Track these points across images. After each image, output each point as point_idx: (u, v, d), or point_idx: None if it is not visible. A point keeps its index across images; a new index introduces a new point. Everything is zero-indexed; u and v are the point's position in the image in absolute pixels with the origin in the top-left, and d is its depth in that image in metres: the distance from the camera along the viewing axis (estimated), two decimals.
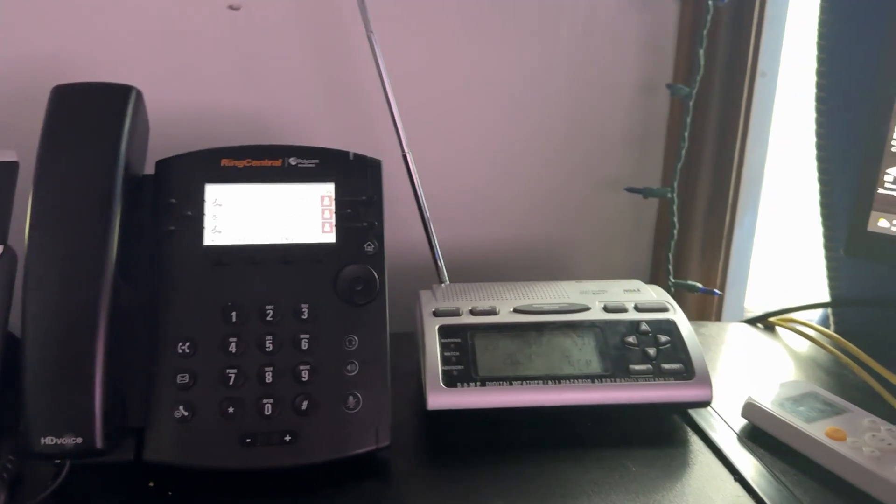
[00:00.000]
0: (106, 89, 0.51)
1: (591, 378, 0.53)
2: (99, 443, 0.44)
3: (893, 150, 0.60)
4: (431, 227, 0.65)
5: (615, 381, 0.54)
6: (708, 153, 0.80)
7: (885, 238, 0.61)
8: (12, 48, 0.67)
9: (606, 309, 0.58)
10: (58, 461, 0.47)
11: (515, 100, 0.77)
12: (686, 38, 0.77)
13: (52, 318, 0.45)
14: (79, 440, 0.44)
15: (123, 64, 0.68)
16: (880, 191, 0.61)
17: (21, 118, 0.67)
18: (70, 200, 0.47)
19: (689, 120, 0.75)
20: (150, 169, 0.54)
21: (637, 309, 0.58)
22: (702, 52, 0.73)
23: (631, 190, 0.79)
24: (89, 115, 0.49)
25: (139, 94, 0.51)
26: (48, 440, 0.44)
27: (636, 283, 0.63)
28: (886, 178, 0.60)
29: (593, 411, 0.54)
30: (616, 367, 0.54)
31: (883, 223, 0.61)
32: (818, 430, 0.51)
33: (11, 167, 0.55)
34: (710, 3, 0.71)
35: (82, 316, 0.45)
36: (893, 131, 0.60)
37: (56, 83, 0.52)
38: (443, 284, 0.64)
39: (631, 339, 0.56)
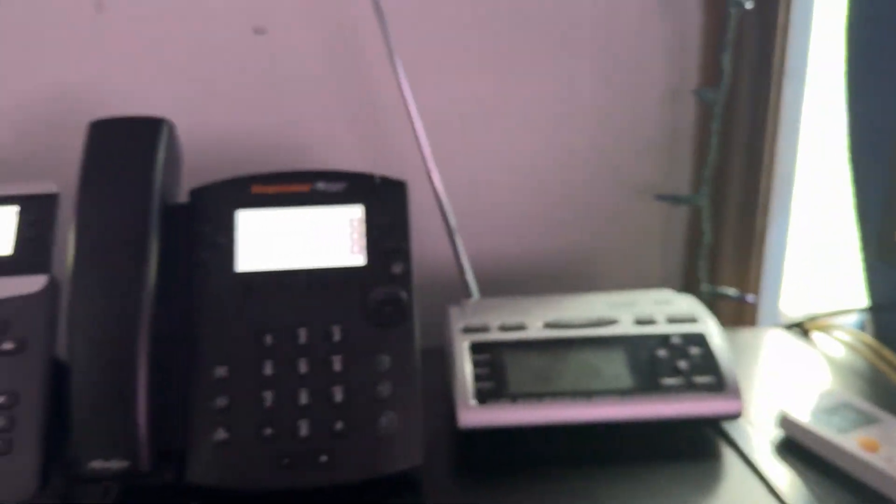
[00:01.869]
0: (139, 123, 0.52)
1: (621, 393, 0.54)
2: (145, 465, 0.46)
3: None
4: (458, 241, 0.65)
5: (645, 396, 0.54)
6: (737, 158, 0.79)
7: None
8: (47, 81, 0.70)
9: (636, 321, 0.58)
10: (106, 483, 0.49)
11: (541, 111, 0.77)
12: (710, 43, 0.77)
13: (96, 346, 0.47)
14: (126, 463, 0.46)
15: (155, 91, 0.70)
16: None
17: (58, 149, 0.69)
18: (109, 233, 0.49)
19: (717, 125, 0.74)
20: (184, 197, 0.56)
21: (667, 321, 0.58)
22: (726, 57, 0.72)
23: (661, 198, 0.78)
24: (124, 149, 0.51)
25: (171, 126, 0.53)
26: (96, 463, 0.46)
27: (667, 294, 0.63)
28: None
29: (624, 426, 0.54)
30: (646, 381, 0.54)
31: None
32: (850, 441, 0.51)
33: (52, 199, 0.57)
34: (732, 10, 0.71)
35: (125, 344, 0.47)
36: None
37: (91, 114, 0.54)
38: (471, 299, 0.65)
39: (661, 352, 0.56)
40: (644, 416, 0.53)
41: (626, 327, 0.58)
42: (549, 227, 0.80)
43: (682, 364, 0.55)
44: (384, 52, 0.64)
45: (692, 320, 0.58)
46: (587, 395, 0.53)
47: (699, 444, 0.56)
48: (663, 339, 0.57)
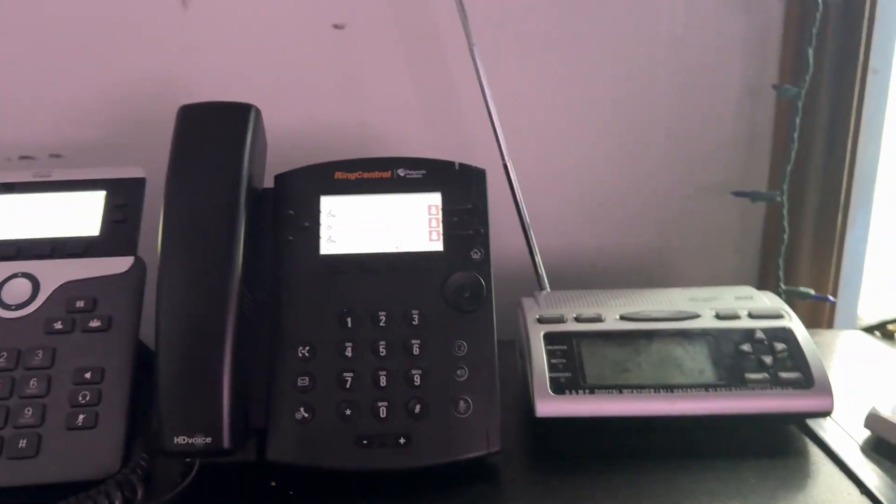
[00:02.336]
0: (228, 108, 0.54)
1: (706, 387, 0.52)
2: (227, 443, 0.46)
3: None
4: (532, 234, 0.65)
5: (730, 391, 0.52)
6: (818, 154, 0.77)
7: None
8: (135, 71, 0.72)
9: (718, 316, 0.57)
10: (188, 459, 0.50)
11: (616, 105, 0.76)
12: (792, 37, 0.75)
13: (183, 324, 0.48)
14: (208, 440, 0.46)
15: (238, 82, 0.72)
16: None
17: (144, 136, 0.71)
18: (199, 214, 0.50)
19: (798, 121, 0.72)
20: (267, 182, 0.57)
21: (751, 316, 0.57)
22: (811, 51, 0.70)
23: (738, 194, 0.77)
24: (214, 133, 0.52)
25: (258, 112, 0.54)
26: (180, 440, 0.46)
27: (748, 290, 0.61)
28: None
29: (706, 421, 0.53)
30: (731, 375, 0.53)
31: None
32: None
33: (139, 183, 0.59)
34: (819, 2, 0.69)
35: (212, 323, 0.47)
36: None
37: (177, 102, 0.56)
38: (544, 291, 0.65)
39: (745, 347, 0.54)
40: (729, 411, 0.52)
41: (707, 321, 0.56)
42: (622, 222, 0.79)
43: (768, 359, 0.54)
44: (462, 44, 0.64)
45: (777, 316, 0.57)
46: (669, 388, 0.52)
47: (784, 442, 0.54)
48: (747, 334, 0.55)
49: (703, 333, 0.56)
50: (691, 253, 0.81)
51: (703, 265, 0.81)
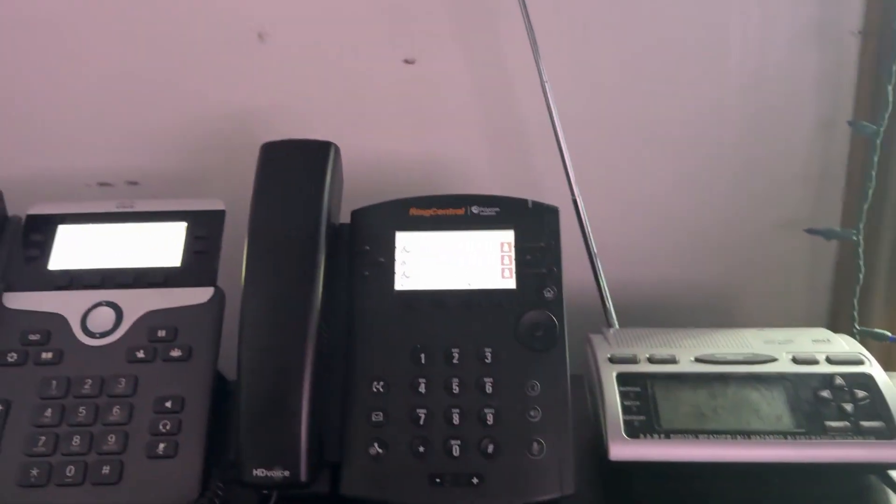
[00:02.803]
0: (310, 146, 0.55)
1: (784, 434, 0.51)
2: (304, 476, 0.47)
3: None
4: (601, 270, 0.64)
5: (810, 439, 0.51)
6: (894, 192, 0.75)
7: None
8: (214, 106, 0.74)
9: (796, 360, 0.55)
10: (265, 492, 0.50)
11: (684, 140, 0.76)
12: (868, 72, 0.73)
13: (265, 358, 0.49)
14: (286, 473, 0.47)
15: (310, 115, 0.74)
16: None
17: (219, 166, 0.74)
18: (281, 249, 0.51)
19: (876, 158, 0.71)
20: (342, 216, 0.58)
21: (829, 361, 0.55)
22: (890, 88, 0.69)
23: (812, 231, 0.75)
24: (296, 170, 0.54)
25: (337, 149, 0.56)
26: (259, 472, 0.47)
27: (824, 333, 0.60)
28: None
29: (785, 469, 0.52)
30: (810, 423, 0.52)
31: None
32: None
33: (220, 215, 0.61)
34: None
35: (293, 357, 0.48)
36: None
37: (250, 134, 0.57)
38: (612, 329, 0.64)
39: (825, 393, 0.53)
40: (809, 459, 0.51)
41: (785, 365, 0.55)
42: (689, 258, 0.78)
43: (849, 407, 0.52)
44: (531, 78, 0.64)
45: (857, 362, 0.55)
46: (746, 434, 0.51)
47: (864, 492, 0.53)
48: (827, 380, 0.54)
49: (781, 378, 0.54)
50: (760, 290, 0.79)
51: (772, 303, 0.79)
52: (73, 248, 0.59)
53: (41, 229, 0.60)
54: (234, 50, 0.72)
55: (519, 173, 0.76)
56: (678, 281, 0.79)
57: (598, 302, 0.65)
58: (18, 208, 0.62)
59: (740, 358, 0.56)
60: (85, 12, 0.71)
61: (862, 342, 0.72)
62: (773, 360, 0.56)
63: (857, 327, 0.74)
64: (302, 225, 0.51)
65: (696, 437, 0.51)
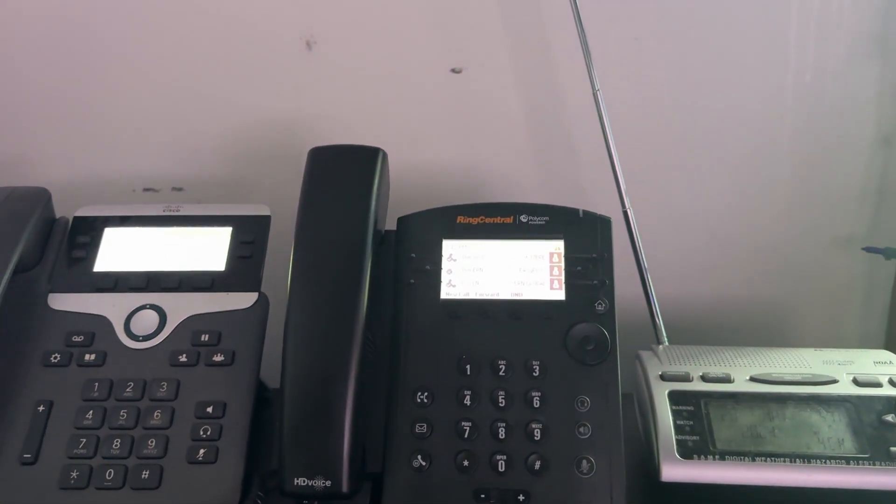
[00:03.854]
0: (358, 151, 0.54)
1: (847, 459, 0.49)
2: (346, 487, 0.46)
3: None
4: (651, 285, 0.63)
5: (874, 465, 0.48)
6: None
7: None
8: (262, 113, 0.74)
9: (857, 382, 0.53)
10: (306, 502, 0.49)
11: (739, 153, 0.74)
12: None
13: (309, 365, 0.48)
14: (328, 483, 0.46)
15: (357, 123, 0.73)
16: None
17: (264, 173, 0.74)
18: (327, 255, 0.50)
19: None
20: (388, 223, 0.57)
21: (893, 384, 0.53)
22: None
23: (870, 250, 0.72)
24: (343, 175, 0.53)
25: (385, 155, 0.55)
26: (300, 481, 0.46)
27: (887, 355, 0.57)
28: None
29: (846, 495, 0.49)
30: (874, 448, 0.49)
31: None
32: None
33: (265, 220, 0.60)
34: None
35: (337, 365, 0.47)
36: None
37: (300, 143, 0.57)
38: (662, 345, 0.62)
39: (889, 417, 0.51)
40: (874, 486, 0.48)
41: (846, 387, 0.53)
42: (741, 274, 0.76)
43: None
44: (581, 87, 0.63)
45: None
46: (806, 458, 0.49)
47: None
48: (891, 403, 0.51)
49: (842, 400, 0.52)
50: (815, 310, 0.76)
51: (827, 322, 0.77)
52: (118, 251, 0.59)
53: (87, 231, 0.60)
54: (282, 58, 0.72)
55: (567, 185, 0.74)
56: (729, 298, 0.77)
57: (648, 318, 0.63)
58: (66, 210, 0.62)
59: (798, 378, 0.54)
60: (137, 21, 0.71)
61: None
62: (834, 381, 0.53)
63: None
64: (349, 231, 0.51)
65: (753, 459, 0.49)
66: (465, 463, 0.49)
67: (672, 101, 0.73)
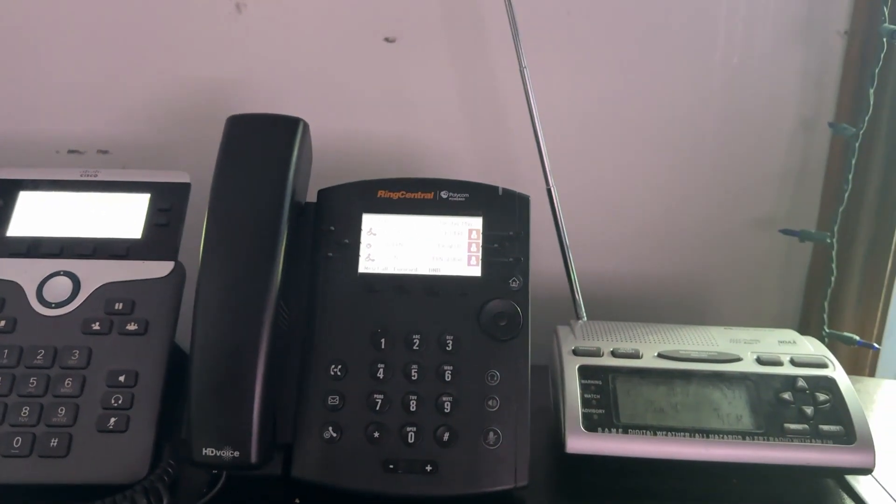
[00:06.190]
0: (277, 120, 0.54)
1: (743, 435, 0.51)
2: (254, 458, 0.46)
3: None
4: (572, 262, 0.64)
5: (768, 440, 0.51)
6: (871, 196, 0.74)
7: None
8: (185, 77, 0.72)
9: (760, 361, 0.55)
10: (214, 471, 0.50)
11: (662, 132, 0.75)
12: (852, 74, 0.73)
13: (219, 336, 0.47)
14: (236, 454, 0.46)
15: (286, 90, 0.72)
16: None
17: (190, 142, 0.72)
18: (241, 225, 0.50)
19: (854, 161, 0.70)
20: (309, 195, 0.57)
21: (793, 363, 0.55)
22: (872, 91, 0.68)
23: (786, 232, 0.75)
24: (261, 145, 0.52)
25: (306, 126, 0.54)
26: (209, 451, 0.46)
27: (791, 334, 0.59)
28: None
29: (742, 469, 0.51)
30: (769, 424, 0.51)
31: None
32: None
33: (184, 188, 0.59)
34: (885, 40, 0.67)
35: (248, 336, 0.47)
36: None
37: (224, 110, 0.56)
38: (580, 321, 0.64)
39: (786, 395, 0.53)
40: (766, 461, 0.50)
41: (748, 365, 0.55)
42: (662, 252, 0.78)
43: (809, 410, 0.52)
44: (510, 63, 0.63)
45: (821, 365, 0.55)
46: (705, 433, 0.51)
47: (821, 496, 0.53)
48: (789, 382, 0.54)
49: (743, 378, 0.54)
50: (732, 287, 0.79)
51: (744, 301, 0.79)
52: (33, 215, 0.58)
53: (2, 194, 0.58)
54: (212, 20, 0.71)
55: (494, 161, 0.75)
56: (650, 275, 0.78)
57: (569, 294, 0.64)
58: None
59: (704, 356, 0.55)
60: None
61: (830, 345, 0.72)
62: (738, 359, 0.55)
63: (827, 330, 0.74)
64: (264, 201, 0.50)
65: (654, 433, 0.51)
66: (376, 434, 0.49)
67: (599, 79, 0.74)
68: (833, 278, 0.74)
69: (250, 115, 0.54)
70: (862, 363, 0.79)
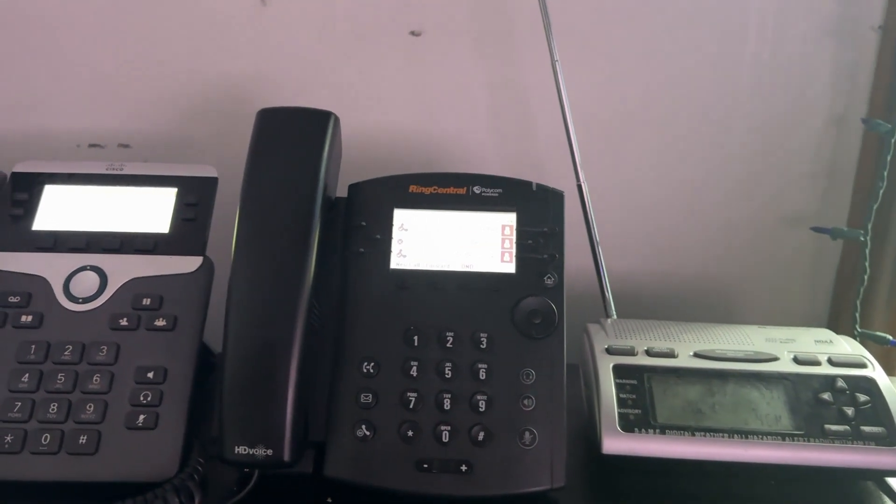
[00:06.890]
0: (308, 114, 0.53)
1: (782, 436, 0.50)
2: (287, 456, 0.46)
3: None
4: (602, 259, 0.63)
5: (809, 441, 0.50)
6: None
7: None
8: (211, 71, 0.72)
9: (797, 360, 0.54)
10: (246, 470, 0.49)
11: (693, 129, 0.74)
12: (886, 70, 0.71)
13: (252, 333, 0.47)
14: (269, 452, 0.46)
15: (312, 84, 0.71)
16: None
17: (218, 135, 0.72)
18: (273, 220, 0.49)
19: (889, 158, 0.69)
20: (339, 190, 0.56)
21: (831, 363, 0.54)
22: None
23: (818, 230, 0.74)
24: (293, 139, 0.52)
25: (337, 120, 0.53)
26: (241, 449, 0.46)
27: (827, 333, 0.59)
28: None
29: (781, 470, 0.50)
30: (809, 425, 0.50)
31: None
32: None
33: (212, 182, 0.59)
34: None
35: (280, 334, 0.46)
36: None
37: (251, 104, 0.55)
38: (610, 319, 0.63)
39: (825, 395, 0.52)
40: (807, 462, 0.49)
41: (786, 365, 0.54)
42: (692, 250, 0.77)
43: (849, 411, 0.51)
44: (540, 58, 0.62)
45: (860, 365, 0.54)
46: (743, 434, 0.50)
47: (861, 498, 0.52)
48: (828, 382, 0.53)
49: (782, 378, 0.53)
50: (762, 287, 0.78)
51: (773, 301, 0.78)
52: (59, 209, 0.57)
53: (27, 188, 0.58)
54: (237, 14, 0.70)
55: (523, 156, 0.74)
56: (679, 274, 0.77)
57: (598, 291, 0.63)
58: (4, 165, 0.59)
59: (741, 355, 0.55)
60: None
61: (861, 344, 0.71)
62: (775, 359, 0.54)
63: (858, 329, 0.73)
64: (296, 196, 0.49)
65: (692, 434, 0.50)
66: (410, 433, 0.49)
67: (630, 76, 0.73)
68: (866, 277, 0.72)
69: (281, 109, 0.53)
70: (894, 363, 0.78)
